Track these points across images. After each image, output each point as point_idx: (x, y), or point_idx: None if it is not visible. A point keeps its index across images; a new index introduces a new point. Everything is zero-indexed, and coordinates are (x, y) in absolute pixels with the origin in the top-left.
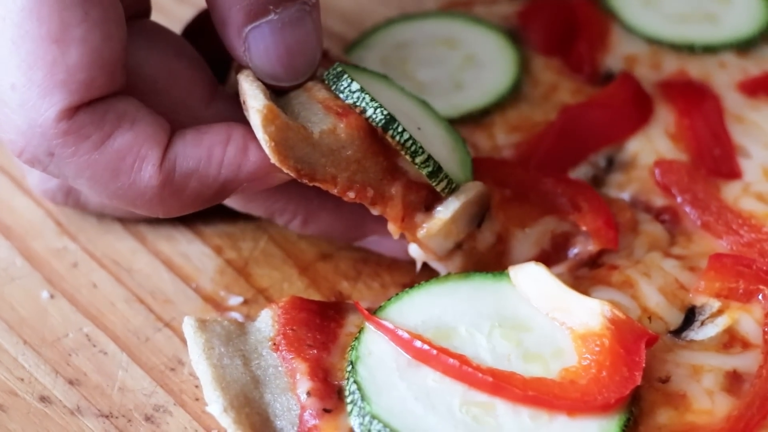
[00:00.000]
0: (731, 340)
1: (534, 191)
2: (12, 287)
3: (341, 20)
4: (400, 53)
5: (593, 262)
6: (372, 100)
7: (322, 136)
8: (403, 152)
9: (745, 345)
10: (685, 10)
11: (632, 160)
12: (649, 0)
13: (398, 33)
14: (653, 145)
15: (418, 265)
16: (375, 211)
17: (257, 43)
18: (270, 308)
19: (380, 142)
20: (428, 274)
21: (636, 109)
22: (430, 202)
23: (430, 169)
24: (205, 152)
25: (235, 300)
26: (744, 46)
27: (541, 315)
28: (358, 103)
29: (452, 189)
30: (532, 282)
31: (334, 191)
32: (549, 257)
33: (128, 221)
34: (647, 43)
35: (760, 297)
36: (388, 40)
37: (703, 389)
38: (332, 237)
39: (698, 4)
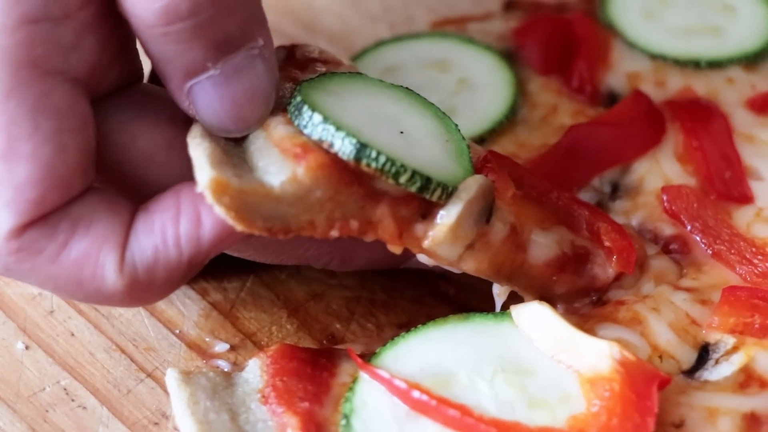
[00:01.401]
0: (748, 380)
1: (548, 200)
2: None
3: (329, 40)
4: (390, 78)
5: (599, 299)
6: (338, 129)
7: (284, 187)
8: (383, 177)
9: (763, 384)
10: (688, 23)
11: (638, 185)
12: (650, 12)
13: (388, 56)
14: (660, 168)
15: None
16: (368, 239)
17: (200, 99)
18: (258, 357)
19: (351, 170)
20: (426, 312)
21: (648, 129)
22: (426, 209)
23: (418, 185)
24: (159, 237)
25: (221, 347)
26: (752, 60)
27: (546, 358)
28: (324, 138)
29: (450, 192)
30: (536, 322)
31: (317, 235)
32: (568, 264)
33: None
34: (650, 60)
35: None
36: (378, 64)
37: None
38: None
39: (702, 15)
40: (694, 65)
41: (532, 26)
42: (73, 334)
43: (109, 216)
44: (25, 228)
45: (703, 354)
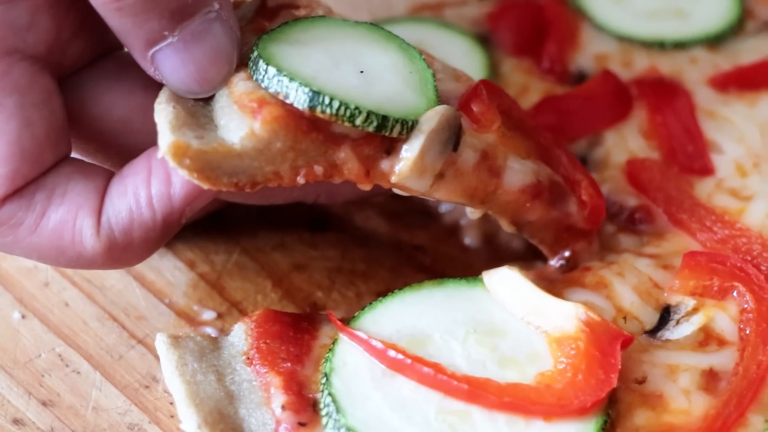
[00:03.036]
0: (707, 339)
1: (533, 135)
2: None
3: None
4: None
5: (567, 263)
6: (291, 80)
7: (243, 143)
8: (339, 121)
9: (721, 343)
10: (655, 7)
11: (605, 160)
12: None
13: None
14: (626, 144)
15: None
16: (336, 181)
17: (164, 65)
18: (243, 322)
19: (307, 118)
20: (403, 281)
21: (616, 103)
22: (389, 145)
23: (374, 124)
24: (132, 198)
25: (208, 314)
26: (714, 41)
27: (516, 319)
28: (279, 90)
29: (411, 126)
30: (506, 286)
31: (284, 184)
32: (543, 193)
33: None
34: (618, 41)
35: (734, 294)
36: None
37: (680, 389)
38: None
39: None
40: (660, 46)
41: (505, 11)
42: (67, 304)
43: (84, 183)
44: (1, 203)
45: (665, 315)
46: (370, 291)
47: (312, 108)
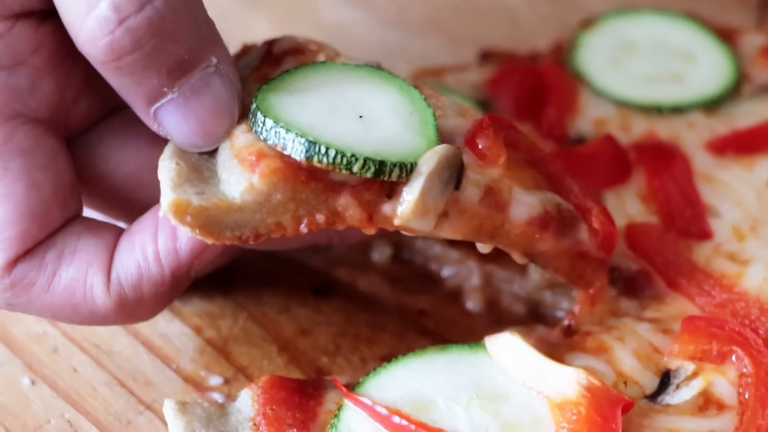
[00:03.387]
0: (707, 403)
1: (542, 165)
2: None
3: None
4: None
5: (569, 329)
6: (288, 131)
7: (243, 197)
8: (336, 170)
9: (721, 407)
10: (652, 72)
11: None
12: (616, 62)
13: None
14: (624, 208)
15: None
16: (340, 228)
17: (166, 121)
18: (249, 388)
19: (306, 169)
20: (407, 345)
21: (615, 165)
22: (389, 188)
23: (372, 170)
24: (140, 254)
25: (215, 380)
26: (711, 105)
27: (519, 384)
28: (277, 142)
29: (410, 169)
30: (508, 351)
31: (288, 234)
32: (551, 223)
33: None
34: (616, 106)
35: (733, 358)
36: None
37: None
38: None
39: (664, 64)
40: (657, 110)
41: (505, 76)
42: (76, 370)
43: (93, 241)
44: (13, 264)
45: (665, 380)
46: (374, 355)
47: (309, 158)
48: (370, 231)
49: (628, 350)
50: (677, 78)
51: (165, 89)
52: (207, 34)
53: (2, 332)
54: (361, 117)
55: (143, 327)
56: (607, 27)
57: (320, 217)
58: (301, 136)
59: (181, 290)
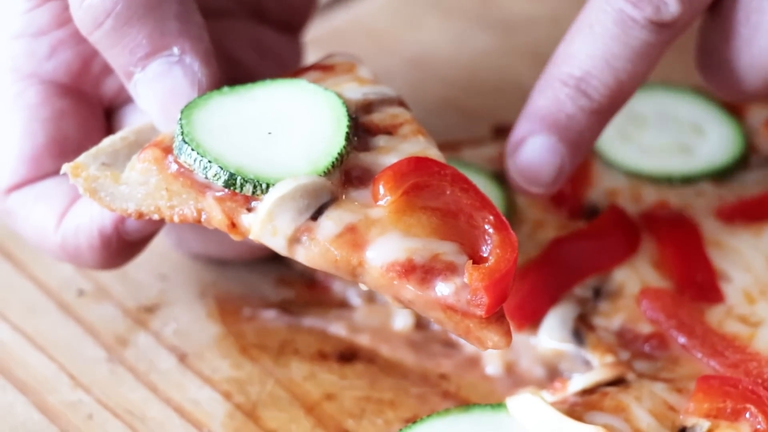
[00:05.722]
0: None
1: (453, 219)
2: None
3: None
4: None
5: (586, 391)
6: (180, 128)
7: (125, 174)
8: (197, 171)
9: None
10: (661, 143)
11: (618, 290)
12: (627, 135)
13: None
14: (638, 275)
15: None
16: (209, 227)
17: (138, 97)
18: None
19: (178, 164)
20: (430, 408)
21: (624, 239)
22: (249, 202)
23: (222, 180)
24: (83, 209)
25: None
26: (720, 176)
27: None
28: (174, 136)
29: (266, 188)
30: (529, 412)
31: (167, 220)
32: (412, 273)
33: (139, 372)
34: (627, 177)
35: (747, 415)
36: None
37: None
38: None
39: (674, 137)
40: (668, 181)
41: None
42: None
43: (63, 190)
44: (7, 193)
45: None
46: (398, 418)
47: (177, 155)
48: (237, 237)
49: (644, 408)
50: (686, 149)
51: (132, 68)
52: (172, 28)
53: (38, 400)
54: (269, 134)
55: (174, 393)
56: None
57: (189, 212)
58: (182, 135)
59: (120, 252)
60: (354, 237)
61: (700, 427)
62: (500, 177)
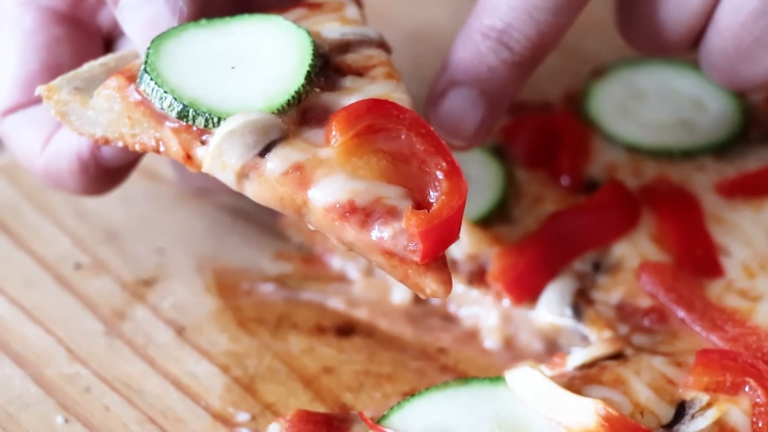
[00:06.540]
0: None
1: (406, 163)
2: (27, 414)
3: None
4: None
5: (585, 365)
6: (146, 58)
7: (92, 100)
8: (152, 101)
9: None
10: (662, 118)
11: (618, 264)
12: (626, 110)
13: None
14: (638, 249)
15: None
16: (169, 157)
17: (123, 23)
18: (277, 422)
19: (139, 93)
20: (428, 382)
21: (623, 213)
22: (203, 135)
23: (175, 111)
24: (65, 134)
25: (243, 416)
26: (719, 150)
27: (539, 415)
28: (140, 64)
29: (218, 122)
30: (528, 384)
31: (130, 147)
32: (353, 215)
33: (137, 345)
34: (627, 151)
35: (746, 389)
36: None
37: None
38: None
39: (674, 111)
40: (668, 155)
41: (519, 124)
42: (108, 408)
43: (50, 117)
44: (4, 115)
45: (680, 410)
46: (396, 392)
47: (138, 84)
48: (193, 169)
49: (644, 382)
50: (687, 124)
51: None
52: None
53: (35, 373)
54: (232, 68)
55: (172, 366)
56: (617, 76)
57: (149, 141)
58: (145, 64)
59: (100, 176)
60: (300, 176)
61: (699, 401)
62: (500, 152)
